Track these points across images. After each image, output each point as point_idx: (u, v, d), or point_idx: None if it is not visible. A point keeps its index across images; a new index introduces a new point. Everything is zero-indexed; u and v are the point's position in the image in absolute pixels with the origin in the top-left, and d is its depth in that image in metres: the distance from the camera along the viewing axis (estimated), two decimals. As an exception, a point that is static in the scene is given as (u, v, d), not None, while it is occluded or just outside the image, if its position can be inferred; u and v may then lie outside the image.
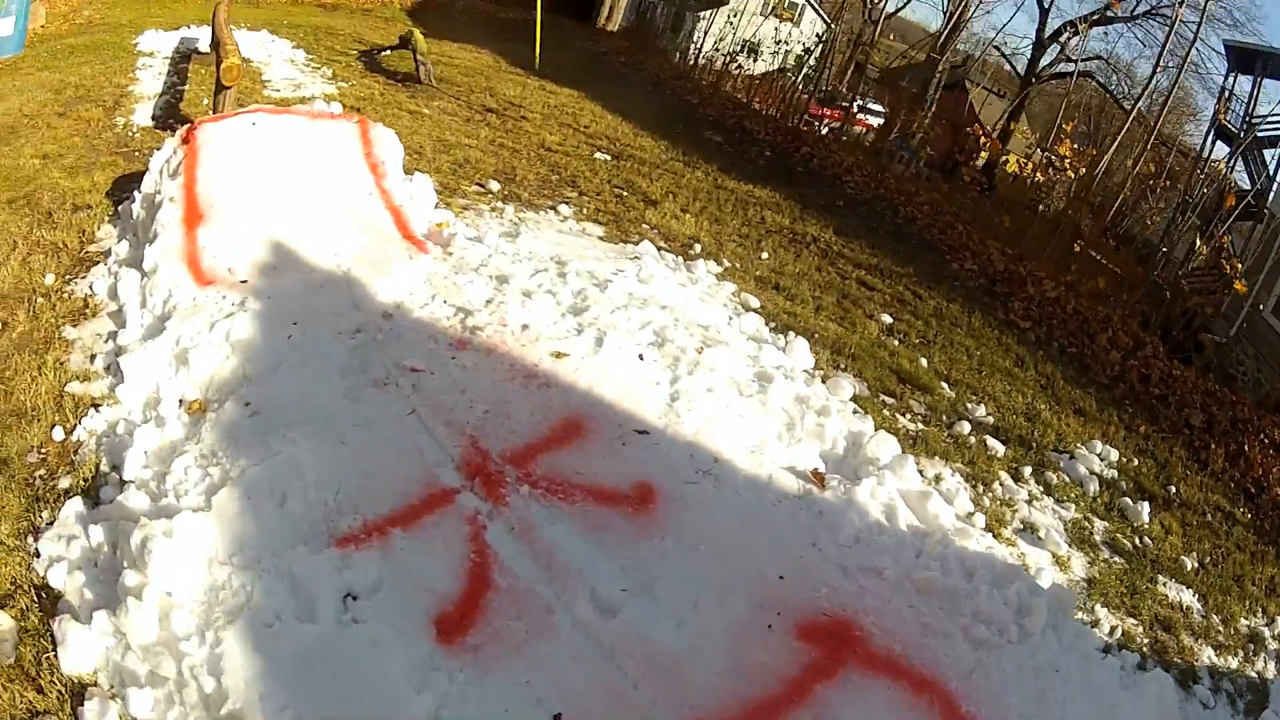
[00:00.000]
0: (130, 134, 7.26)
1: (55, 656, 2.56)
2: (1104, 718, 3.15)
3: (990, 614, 3.31)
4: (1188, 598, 4.32)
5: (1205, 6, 13.53)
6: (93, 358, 4.07)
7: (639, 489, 3.47)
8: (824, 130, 15.00)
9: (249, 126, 5.40)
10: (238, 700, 2.41)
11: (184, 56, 10.34)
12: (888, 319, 6.80)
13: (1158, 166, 13.89)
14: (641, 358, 4.29)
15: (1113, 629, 3.87)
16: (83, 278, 4.73)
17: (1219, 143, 16.41)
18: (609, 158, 9.31)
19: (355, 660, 2.56)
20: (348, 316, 4.24)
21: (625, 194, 8.14)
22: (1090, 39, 19.78)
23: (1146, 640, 3.90)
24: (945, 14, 17.75)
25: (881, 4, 18.23)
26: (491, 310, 4.43)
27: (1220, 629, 4.17)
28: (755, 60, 16.67)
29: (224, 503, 2.93)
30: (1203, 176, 15.79)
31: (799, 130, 13.41)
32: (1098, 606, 3.99)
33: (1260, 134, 15.25)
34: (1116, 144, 12.89)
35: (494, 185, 7.34)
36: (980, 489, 4.67)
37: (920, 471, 4.38)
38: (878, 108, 20.57)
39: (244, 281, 4.41)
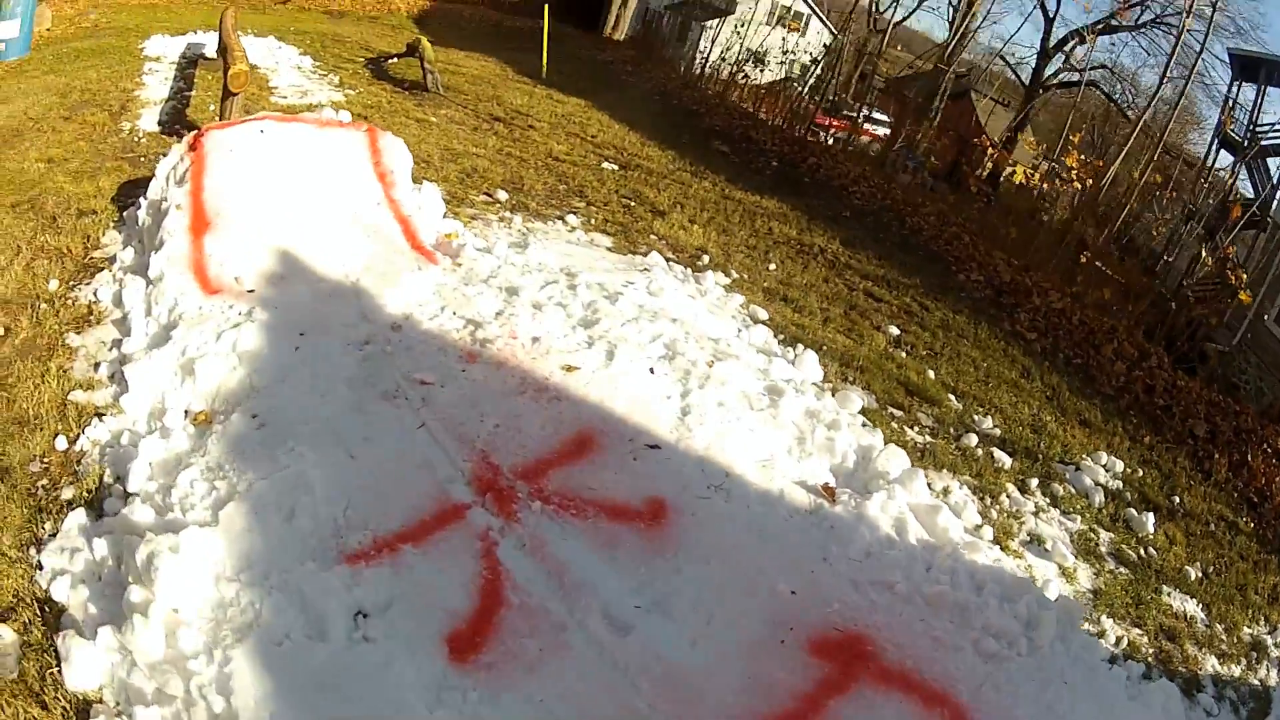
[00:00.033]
0: (136, 139, 7.25)
1: (59, 672, 2.52)
2: (1111, 728, 3.15)
3: (1000, 627, 3.32)
4: (1192, 607, 4.35)
5: (1212, 16, 13.55)
6: (96, 366, 4.03)
7: (651, 504, 3.44)
8: (829, 140, 14.99)
9: (257, 134, 5.37)
10: (248, 720, 2.36)
11: (190, 62, 10.35)
12: (895, 330, 6.79)
13: (1163, 177, 13.88)
14: (652, 371, 4.25)
15: (1118, 639, 3.90)
16: (87, 284, 4.70)
17: (1223, 152, 16.43)
18: (616, 167, 9.30)
19: (367, 679, 2.52)
20: (356, 327, 4.21)
21: (633, 204, 8.12)
22: (1095, 48, 19.81)
23: (1151, 650, 3.93)
24: (950, 25, 17.78)
25: (890, 14, 18.27)
26: (501, 322, 4.40)
27: (1223, 638, 4.20)
28: (762, 71, 16.69)
29: (231, 517, 2.89)
30: (1206, 186, 15.79)
31: (805, 140, 13.42)
32: (1104, 617, 4.01)
33: (1264, 143, 15.23)
34: (1123, 154, 12.87)
35: (502, 195, 7.33)
36: (988, 501, 4.69)
37: (929, 484, 4.38)
38: (883, 117, 20.61)
39: (251, 291, 4.38)
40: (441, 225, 5.66)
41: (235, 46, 7.70)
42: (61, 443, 3.48)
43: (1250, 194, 15.07)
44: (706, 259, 7.06)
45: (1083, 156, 11.82)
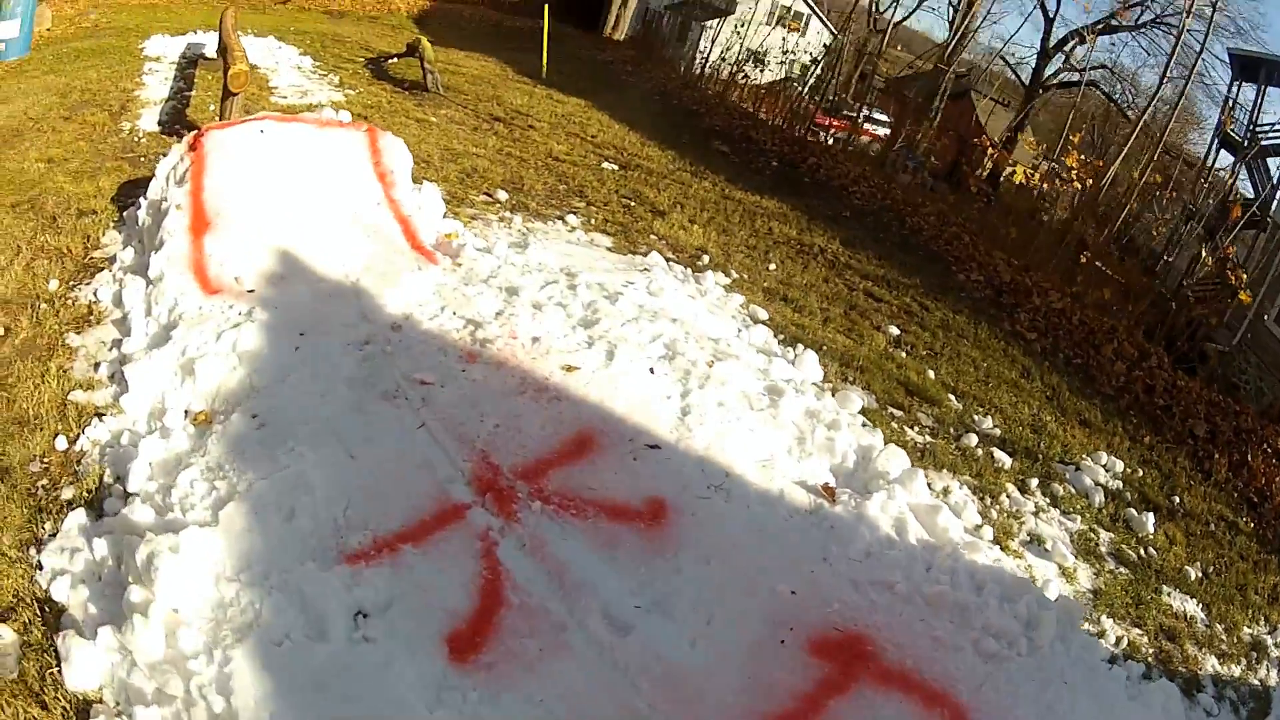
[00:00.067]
0: (136, 139, 7.25)
1: (59, 672, 2.52)
2: (1111, 728, 3.16)
3: (1000, 627, 3.32)
4: (1192, 607, 4.36)
5: (1212, 17, 13.55)
6: (96, 366, 4.03)
7: (651, 504, 3.44)
8: (829, 140, 14.99)
9: (257, 134, 5.37)
10: (248, 720, 2.36)
11: (190, 62, 10.34)
12: (895, 331, 6.79)
13: (1163, 177, 13.88)
14: (652, 371, 4.25)
15: (1118, 639, 3.91)
16: (87, 284, 4.69)
17: (1223, 151, 16.43)
18: (616, 167, 9.30)
19: (367, 679, 2.52)
20: (356, 328, 4.21)
21: (633, 204, 8.12)
22: (1095, 48, 19.80)
23: (1151, 650, 3.94)
24: (950, 25, 17.78)
25: (891, 14, 18.26)
26: (501, 322, 4.40)
27: (1223, 638, 4.21)
28: (762, 71, 16.69)
29: (231, 517, 2.88)
30: (1206, 185, 15.78)
31: (805, 140, 13.42)
32: (1104, 617, 4.01)
33: (1264, 143, 15.23)
34: (1123, 155, 12.87)
35: (502, 195, 7.33)
36: (988, 501, 4.69)
37: (929, 484, 4.39)
38: (883, 117, 20.61)
39: (251, 291, 4.37)
40: (441, 225, 5.66)
41: (235, 46, 7.70)
42: (61, 443, 3.48)
43: (1250, 194, 15.07)
44: (706, 259, 7.06)
45: (1083, 157, 11.82)
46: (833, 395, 5.11)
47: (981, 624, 3.31)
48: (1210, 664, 3.99)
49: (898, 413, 5.39)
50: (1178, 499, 5.41)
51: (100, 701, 2.48)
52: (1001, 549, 4.20)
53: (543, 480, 3.41)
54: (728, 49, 16.47)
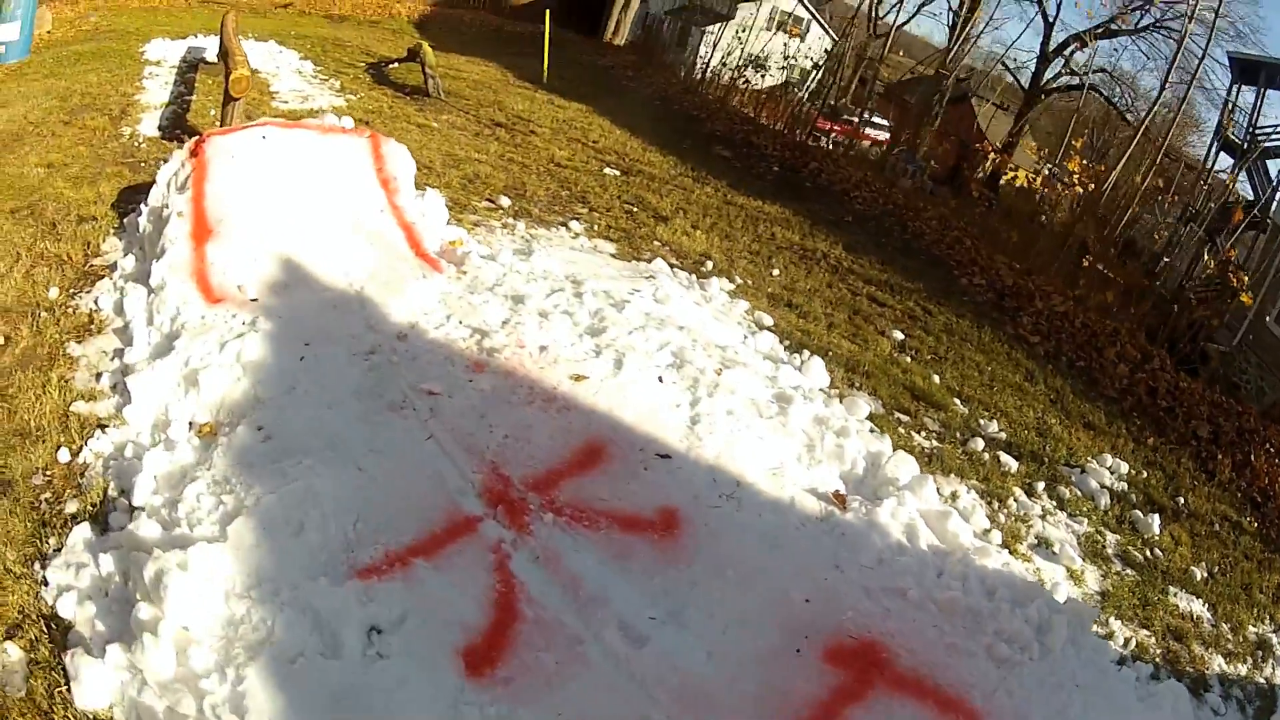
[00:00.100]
0: (136, 144, 7.20)
1: (68, 691, 2.48)
2: (1122, 730, 3.17)
3: (1012, 632, 3.32)
4: (1198, 607, 4.38)
5: (1215, 22, 13.57)
6: (98, 376, 3.97)
7: (663, 514, 3.42)
8: (829, 145, 14.99)
9: (259, 140, 5.33)
10: (263, 740, 2.32)
11: (191, 66, 10.30)
12: (899, 335, 6.78)
13: (1165, 181, 13.90)
14: (661, 380, 4.22)
15: (1127, 641, 3.92)
16: (87, 292, 4.64)
17: (1223, 154, 16.45)
18: (618, 173, 9.27)
19: (383, 696, 2.48)
20: (361, 337, 4.16)
21: (635, 210, 8.09)
22: (1095, 53, 19.85)
23: (1159, 651, 3.95)
24: (951, 30, 17.79)
25: (894, 18, 18.28)
26: (508, 331, 4.36)
27: (1229, 637, 4.23)
28: (764, 76, 16.68)
29: (240, 533, 2.84)
30: (1206, 188, 15.80)
31: (806, 145, 13.41)
32: (1112, 619, 4.03)
33: (1266, 145, 15.26)
34: (1124, 159, 12.88)
35: (505, 201, 7.30)
36: (996, 505, 4.70)
37: (937, 490, 4.37)
38: (882, 122, 20.62)
39: (254, 300, 4.33)
40: (445, 232, 5.62)
41: (237, 51, 7.66)
42: (64, 455, 3.43)
43: (1249, 195, 15.10)
44: (710, 265, 7.04)
45: (1084, 161, 11.84)
46: (840, 401, 5.08)
47: (994, 629, 3.32)
48: (1217, 663, 4.01)
49: (904, 418, 5.38)
50: (1182, 500, 5.43)
51: (111, 720, 2.43)
52: (1010, 553, 4.20)
53: (554, 491, 3.38)
54: (728, 54, 16.46)
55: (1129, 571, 4.48)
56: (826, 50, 18.91)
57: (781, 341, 5.70)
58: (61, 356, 4.05)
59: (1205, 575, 4.66)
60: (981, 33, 19.26)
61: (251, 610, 2.62)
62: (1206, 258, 12.13)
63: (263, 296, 4.36)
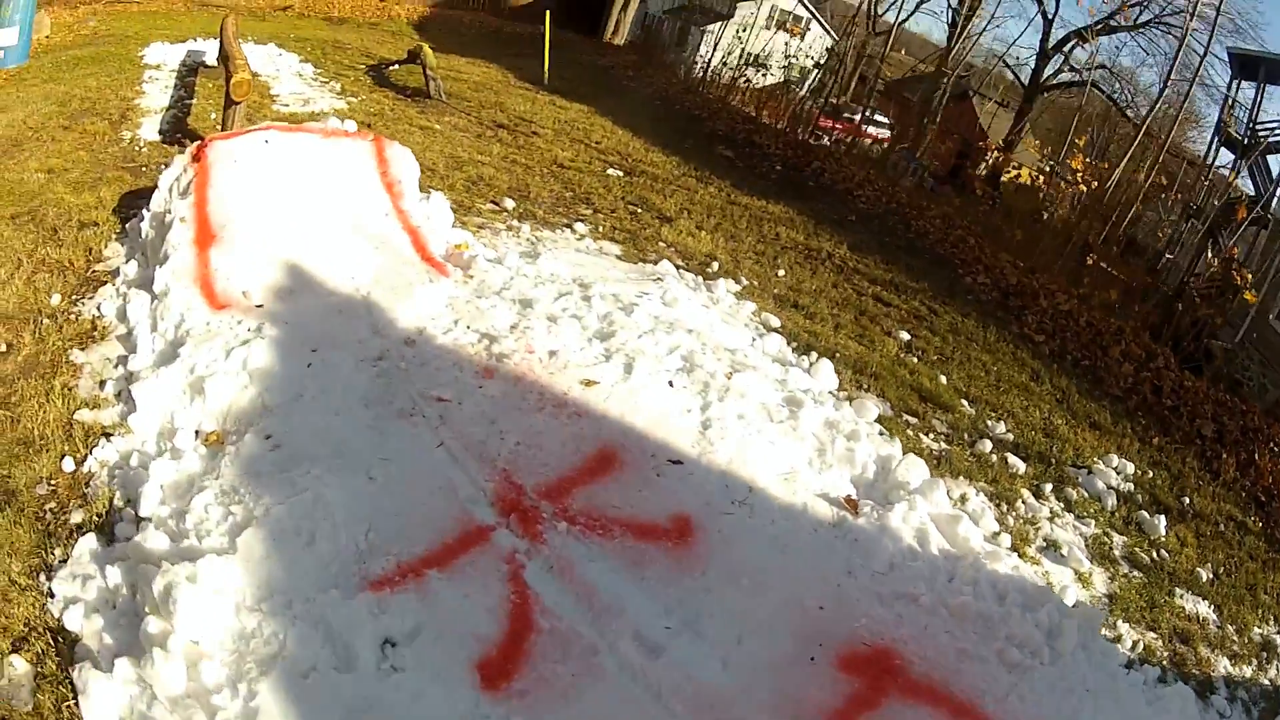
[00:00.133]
0: (137, 149, 7.15)
1: (76, 706, 2.44)
2: (1132, 733, 3.16)
3: (1023, 637, 3.31)
4: (1204, 609, 4.38)
5: (1216, 19, 13.54)
6: (102, 384, 3.93)
7: (676, 522, 3.38)
8: (830, 143, 14.95)
9: (262, 144, 5.29)
10: (275, 757, 2.29)
11: (191, 70, 10.25)
12: (906, 336, 6.75)
13: (1168, 178, 13.88)
14: (671, 384, 4.17)
15: (1134, 644, 3.91)
16: (90, 298, 4.60)
17: (1223, 150, 16.42)
18: (621, 174, 9.23)
19: (398, 710, 2.45)
20: (369, 343, 4.12)
21: (640, 211, 8.05)
22: (1096, 50, 19.80)
23: (1166, 653, 3.95)
24: (951, 27, 17.76)
25: (896, 16, 18.24)
26: (517, 336, 4.31)
27: (1235, 638, 4.23)
28: (765, 75, 16.64)
29: (250, 545, 2.80)
30: (1207, 184, 15.78)
31: (809, 144, 13.37)
32: (1119, 622, 4.02)
33: (1270, 140, 15.21)
34: (1127, 157, 12.85)
35: (509, 203, 7.25)
36: (1004, 508, 4.68)
37: (947, 493, 4.33)
38: (883, 120, 20.58)
39: (259, 305, 4.28)
40: (451, 235, 5.57)
41: (237, 54, 7.61)
42: (69, 464, 3.38)
43: (1250, 191, 15.07)
44: (716, 266, 7.00)
45: (1087, 159, 11.81)
46: (849, 404, 5.05)
47: (1005, 634, 3.30)
48: (1223, 665, 4.00)
49: (912, 420, 5.35)
50: (1187, 500, 5.43)
51: (120, 736, 2.39)
52: (1019, 556, 4.19)
53: (567, 499, 3.34)
54: (729, 54, 16.42)
55: (1136, 573, 4.48)
56: (827, 49, 18.85)
57: (789, 343, 5.67)
58: (64, 364, 4.01)
59: (1211, 576, 4.66)
60: (983, 31, 19.24)
61: (263, 623, 2.58)
62: (1209, 255, 12.11)
63: (268, 302, 4.31)
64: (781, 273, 7.37)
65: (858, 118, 17.57)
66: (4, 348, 4.06)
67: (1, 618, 2.69)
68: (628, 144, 10.81)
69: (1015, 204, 14.00)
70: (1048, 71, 20.88)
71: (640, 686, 2.73)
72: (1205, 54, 13.38)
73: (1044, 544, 4.46)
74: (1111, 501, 5.05)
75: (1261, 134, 15.43)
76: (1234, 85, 16.27)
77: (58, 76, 9.47)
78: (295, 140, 5.43)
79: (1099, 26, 19.12)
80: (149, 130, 7.69)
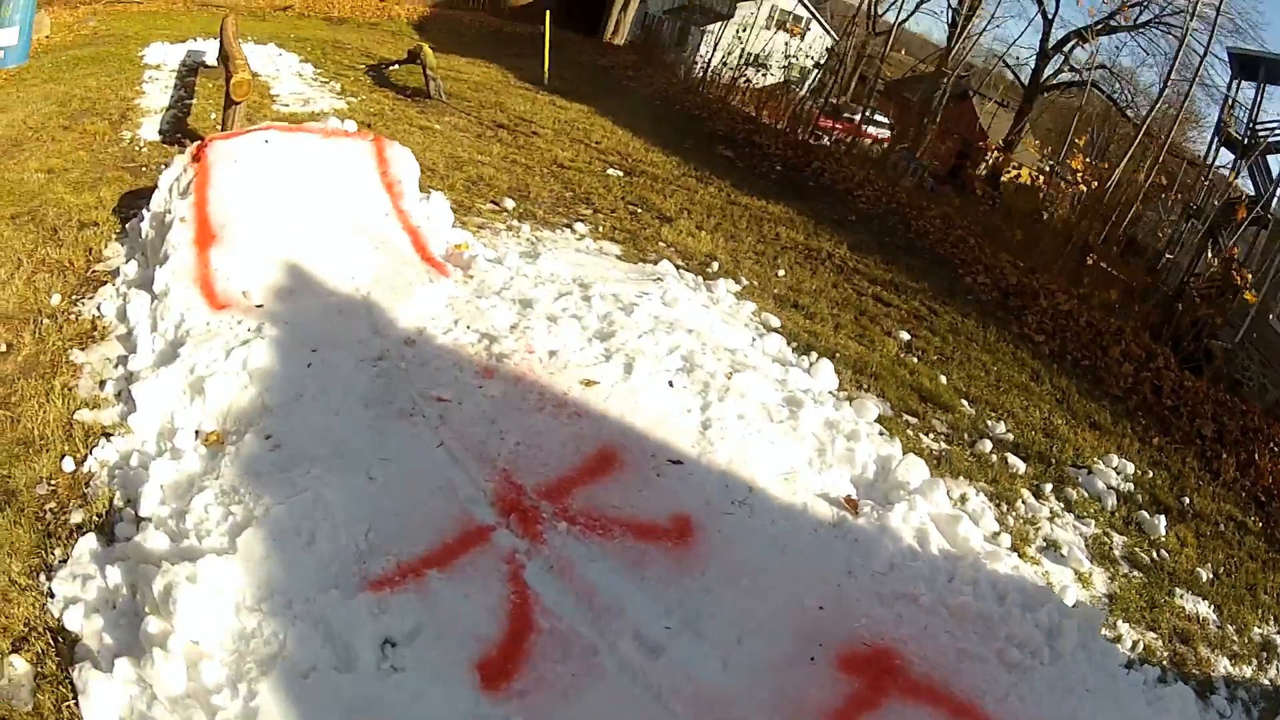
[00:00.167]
0: (137, 148, 7.16)
1: (76, 705, 2.44)
2: (1132, 734, 3.17)
3: (1023, 637, 3.31)
4: (1204, 609, 4.38)
5: (1216, 19, 13.54)
6: (102, 384, 3.93)
7: (676, 522, 3.38)
8: (829, 142, 14.95)
9: (262, 144, 5.29)
10: (275, 757, 2.29)
11: (191, 70, 10.25)
12: (905, 336, 6.75)
13: (1168, 178, 13.89)
14: (671, 384, 4.17)
15: (1134, 644, 3.92)
16: (90, 298, 4.60)
17: (1223, 150, 16.42)
18: (621, 173, 9.23)
19: (399, 710, 2.45)
20: (369, 343, 4.12)
21: (640, 211, 8.06)
22: (1095, 50, 19.80)
23: (1166, 653, 3.95)
24: (950, 27, 17.76)
25: (896, 16, 18.24)
26: (517, 336, 4.31)
27: (1235, 639, 4.23)
28: (765, 75, 16.65)
29: (250, 545, 2.80)
30: (1207, 184, 15.79)
31: (808, 144, 13.37)
32: (1119, 622, 4.02)
33: (1270, 140, 15.22)
34: (1127, 157, 12.85)
35: (509, 203, 7.25)
36: (1004, 508, 4.68)
37: (947, 493, 4.34)
38: (883, 119, 20.59)
39: (259, 306, 4.28)
40: (451, 235, 5.57)
41: (237, 54, 7.61)
42: (69, 464, 3.39)
43: (1250, 191, 15.07)
44: (716, 266, 7.00)
45: (1087, 159, 11.82)
46: (849, 404, 5.05)
47: (1005, 634, 3.31)
48: (1222, 665, 4.01)
49: (912, 420, 5.35)
50: (1187, 500, 5.43)
51: (120, 736, 2.39)
52: (1019, 556, 4.19)
53: (567, 499, 3.34)
54: (729, 54, 16.42)
55: (1136, 573, 4.48)
56: (827, 49, 18.86)
57: (789, 343, 5.67)
58: (64, 364, 4.01)
59: (1211, 576, 4.67)
60: (983, 31, 19.25)
61: (263, 624, 2.58)
62: (1209, 255, 12.12)
63: (268, 302, 4.31)
64: (781, 273, 7.37)
65: (858, 118, 17.60)
66: (4, 348, 4.06)
67: (1, 618, 2.69)
68: (628, 144, 10.81)
69: (1015, 204, 14.02)
70: (1048, 71, 20.88)
71: (640, 686, 2.73)
72: (1205, 54, 13.38)
73: (1044, 544, 4.46)
74: (1111, 501, 5.05)
75: (1261, 134, 15.44)
76: (1234, 85, 16.28)
77: (58, 76, 9.48)
78: (295, 140, 5.43)
79: (1099, 26, 19.13)
80: (149, 130, 7.69)
